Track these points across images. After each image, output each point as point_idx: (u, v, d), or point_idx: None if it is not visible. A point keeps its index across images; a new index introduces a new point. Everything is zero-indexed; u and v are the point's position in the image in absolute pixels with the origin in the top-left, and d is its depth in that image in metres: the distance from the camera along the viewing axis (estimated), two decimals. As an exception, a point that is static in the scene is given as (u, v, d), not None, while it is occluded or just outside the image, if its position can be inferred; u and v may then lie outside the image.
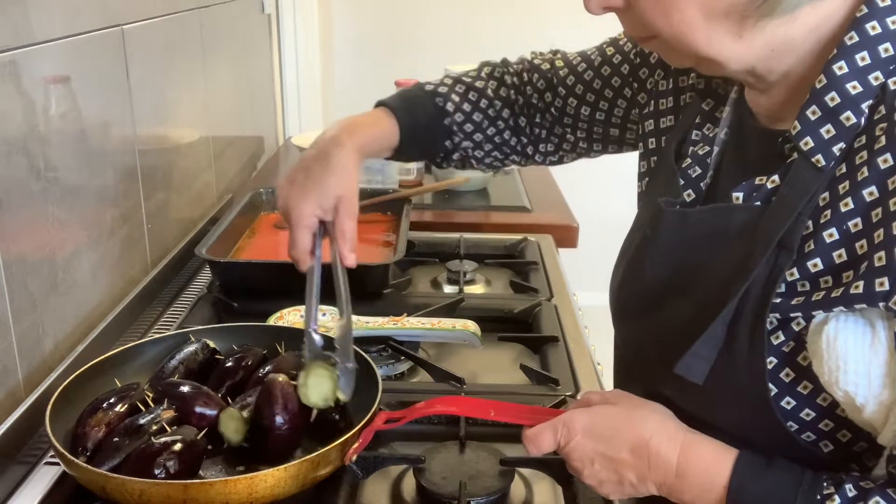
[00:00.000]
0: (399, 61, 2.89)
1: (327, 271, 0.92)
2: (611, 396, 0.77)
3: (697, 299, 0.72)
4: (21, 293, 0.94)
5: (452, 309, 1.23)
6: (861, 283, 0.60)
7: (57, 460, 0.90)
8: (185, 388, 0.88)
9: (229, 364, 0.95)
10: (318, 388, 0.85)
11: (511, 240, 1.54)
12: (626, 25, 0.73)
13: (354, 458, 0.81)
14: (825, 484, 0.63)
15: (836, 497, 0.62)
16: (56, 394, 0.85)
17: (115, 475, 0.74)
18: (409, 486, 0.88)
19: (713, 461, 0.68)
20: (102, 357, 0.94)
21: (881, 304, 0.60)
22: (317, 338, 0.91)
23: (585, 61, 1.04)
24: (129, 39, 1.23)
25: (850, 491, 0.62)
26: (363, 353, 0.94)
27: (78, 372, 0.90)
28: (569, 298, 1.35)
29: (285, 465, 0.75)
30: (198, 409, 0.86)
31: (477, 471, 0.87)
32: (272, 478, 0.74)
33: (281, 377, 0.86)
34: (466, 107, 1.06)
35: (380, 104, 1.06)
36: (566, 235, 1.67)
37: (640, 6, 0.68)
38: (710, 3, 0.65)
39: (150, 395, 0.89)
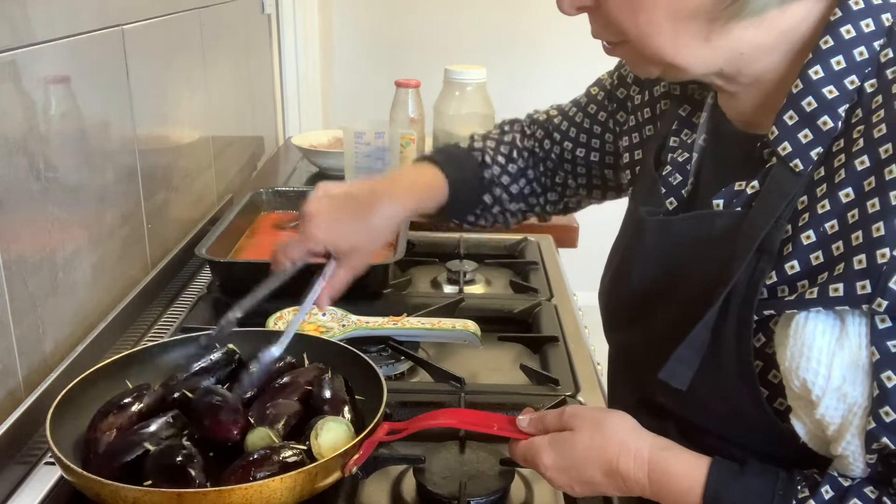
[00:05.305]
0: (399, 61, 2.88)
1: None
2: (567, 418, 0.74)
3: (684, 306, 0.72)
4: (21, 293, 0.94)
5: (452, 309, 1.23)
6: (841, 286, 0.60)
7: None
8: (202, 394, 0.87)
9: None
10: (330, 438, 0.82)
11: (511, 240, 1.54)
12: (595, 27, 0.72)
13: (354, 469, 0.80)
14: (799, 487, 0.63)
15: (812, 501, 0.62)
16: (59, 397, 0.83)
17: (110, 482, 0.72)
18: (409, 486, 0.88)
19: (684, 474, 0.67)
20: (113, 358, 0.92)
21: (864, 307, 0.59)
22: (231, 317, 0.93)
23: (575, 105, 1.06)
24: (129, 39, 1.23)
25: (827, 492, 0.62)
26: (367, 359, 0.92)
27: (83, 375, 0.88)
28: (569, 298, 1.35)
29: (281, 476, 0.73)
30: (214, 415, 0.84)
31: (477, 471, 0.87)
32: (267, 489, 0.73)
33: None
34: (501, 159, 1.08)
35: (421, 159, 1.07)
36: (566, 235, 1.67)
37: (608, 5, 0.68)
38: (676, 5, 0.65)
39: (164, 398, 0.87)
